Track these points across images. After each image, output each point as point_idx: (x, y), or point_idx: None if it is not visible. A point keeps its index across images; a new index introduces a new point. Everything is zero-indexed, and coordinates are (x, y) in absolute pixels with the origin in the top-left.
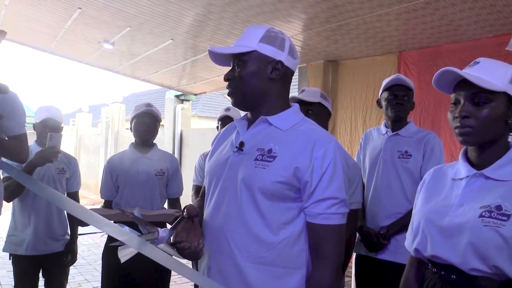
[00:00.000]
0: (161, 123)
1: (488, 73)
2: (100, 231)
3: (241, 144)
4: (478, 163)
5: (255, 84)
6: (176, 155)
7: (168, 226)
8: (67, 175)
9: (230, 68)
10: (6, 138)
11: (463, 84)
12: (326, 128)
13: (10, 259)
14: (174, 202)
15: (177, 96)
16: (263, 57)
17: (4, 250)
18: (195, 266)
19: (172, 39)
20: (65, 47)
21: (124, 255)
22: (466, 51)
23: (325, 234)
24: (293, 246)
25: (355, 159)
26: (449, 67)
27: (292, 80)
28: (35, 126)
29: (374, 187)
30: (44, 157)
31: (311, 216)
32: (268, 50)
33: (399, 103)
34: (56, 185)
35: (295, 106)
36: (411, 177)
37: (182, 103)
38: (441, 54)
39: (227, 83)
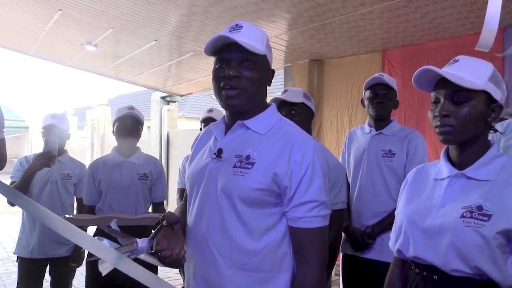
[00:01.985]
0: (147, 125)
1: (468, 71)
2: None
3: (219, 151)
4: (459, 162)
5: (260, 89)
6: (163, 157)
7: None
8: (74, 180)
9: (215, 66)
10: None
11: (443, 82)
12: (309, 128)
13: (17, 261)
14: (159, 207)
15: (163, 98)
16: (267, 63)
17: (14, 253)
18: (183, 272)
19: (156, 40)
20: (47, 49)
21: (104, 268)
22: (448, 48)
23: (307, 238)
24: (277, 251)
25: (340, 158)
26: (428, 66)
27: (278, 80)
28: (42, 133)
29: (359, 186)
30: (40, 161)
31: (292, 220)
32: (269, 56)
33: (379, 101)
34: (60, 190)
35: (272, 107)
36: (395, 176)
37: (168, 104)
38: (423, 51)
39: (220, 80)
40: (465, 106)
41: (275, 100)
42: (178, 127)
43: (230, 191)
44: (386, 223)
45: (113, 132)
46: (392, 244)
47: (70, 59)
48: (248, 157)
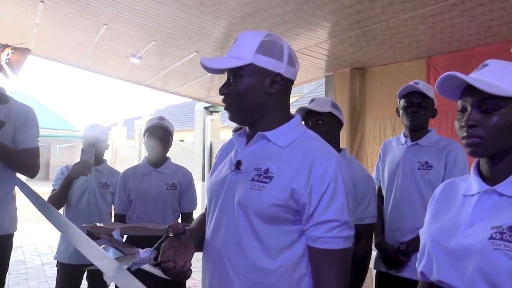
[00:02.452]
0: (193, 135)
1: (497, 77)
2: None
3: (238, 163)
4: (490, 177)
5: (252, 100)
6: (206, 166)
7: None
8: (111, 189)
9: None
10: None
11: (470, 89)
12: (338, 138)
13: (56, 266)
14: (187, 217)
15: (206, 108)
16: (260, 70)
17: (54, 258)
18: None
19: (197, 52)
20: (95, 62)
21: (108, 277)
22: (499, 53)
23: (326, 260)
24: (294, 271)
25: (374, 171)
26: (452, 71)
27: (319, 89)
28: (82, 143)
29: (393, 200)
30: (77, 170)
31: (310, 239)
32: (266, 63)
33: (414, 111)
34: (97, 198)
35: (296, 118)
36: (433, 189)
37: (212, 114)
38: (472, 57)
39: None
40: (495, 115)
41: (301, 110)
42: (221, 137)
43: (247, 205)
44: None
45: (144, 142)
46: (417, 265)
47: (117, 71)
48: (267, 170)
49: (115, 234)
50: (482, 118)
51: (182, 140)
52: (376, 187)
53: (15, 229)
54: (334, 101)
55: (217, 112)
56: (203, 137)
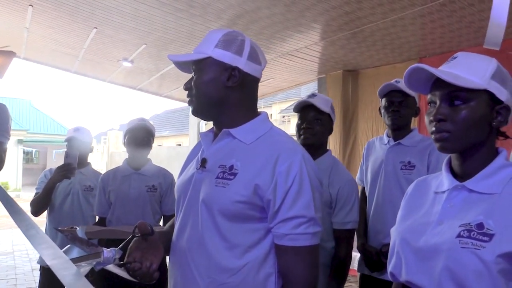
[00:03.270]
0: (186, 137)
1: (466, 69)
2: None
3: (203, 160)
4: (461, 174)
5: (211, 93)
6: None
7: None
8: (95, 192)
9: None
10: None
11: (439, 83)
12: (326, 142)
13: (40, 270)
14: (169, 219)
15: None
16: (218, 64)
17: (37, 262)
18: None
19: None
20: (88, 66)
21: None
22: (490, 53)
23: (293, 257)
24: (259, 270)
25: (358, 171)
26: (419, 64)
27: (312, 91)
28: (66, 146)
29: (376, 201)
30: (60, 173)
31: (277, 237)
32: (223, 56)
33: (395, 110)
34: (81, 201)
35: (263, 115)
36: None
37: None
38: None
39: None
40: (464, 109)
41: (304, 103)
42: None
43: (211, 203)
44: None
45: (124, 143)
46: (388, 266)
47: (110, 75)
48: (231, 167)
49: (79, 232)
50: (451, 112)
51: (180, 145)
52: (360, 187)
53: None
54: (332, 105)
55: None
56: (197, 141)
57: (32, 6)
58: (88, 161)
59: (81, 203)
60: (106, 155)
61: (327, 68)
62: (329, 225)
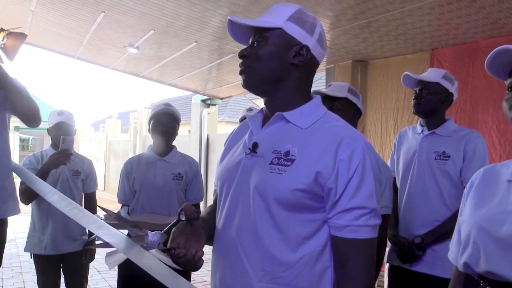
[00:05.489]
0: (188, 129)
1: None
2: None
3: (255, 145)
4: None
5: (273, 66)
6: (203, 160)
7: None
8: (82, 176)
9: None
10: None
11: None
12: (354, 125)
13: (31, 257)
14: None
15: (203, 101)
16: (288, 38)
17: (25, 250)
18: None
19: (196, 42)
20: (92, 52)
21: (111, 261)
22: None
23: (352, 250)
24: (316, 264)
25: (388, 162)
26: (506, 45)
27: (320, 83)
28: (49, 131)
29: (408, 191)
30: (58, 159)
31: (335, 228)
32: (296, 31)
33: (415, 97)
34: (71, 186)
35: (317, 99)
36: (450, 181)
37: (208, 107)
38: (477, 50)
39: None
40: None
41: (316, 93)
42: (218, 131)
43: (265, 191)
44: (439, 233)
45: (148, 130)
46: (454, 256)
47: (113, 62)
48: (287, 153)
49: (122, 212)
50: None
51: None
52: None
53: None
54: (352, 87)
55: (214, 105)
56: (200, 130)
57: None
58: (81, 147)
59: (71, 188)
60: (105, 143)
61: (336, 58)
62: None
